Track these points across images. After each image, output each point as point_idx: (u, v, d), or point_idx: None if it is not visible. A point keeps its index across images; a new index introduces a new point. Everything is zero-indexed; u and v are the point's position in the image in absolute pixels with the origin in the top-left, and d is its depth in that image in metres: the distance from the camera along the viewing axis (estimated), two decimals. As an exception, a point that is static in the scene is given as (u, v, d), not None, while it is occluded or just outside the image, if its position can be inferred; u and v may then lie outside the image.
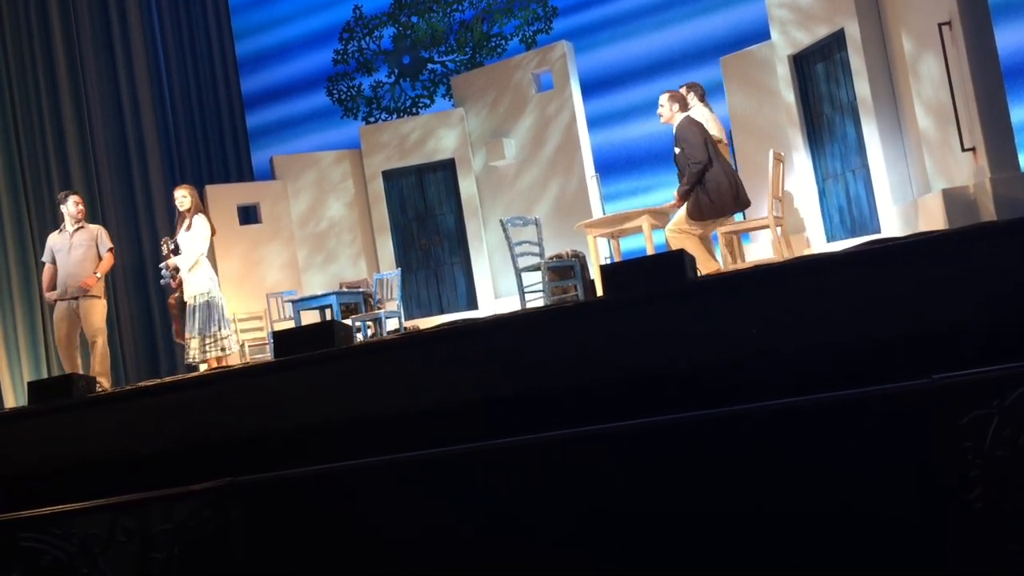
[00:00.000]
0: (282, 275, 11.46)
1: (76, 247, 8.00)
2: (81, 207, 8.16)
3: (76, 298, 7.94)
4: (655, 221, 7.57)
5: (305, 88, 14.21)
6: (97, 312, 8.03)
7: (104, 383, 7.87)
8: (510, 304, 10.55)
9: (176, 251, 8.00)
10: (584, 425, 2.55)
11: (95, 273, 8.01)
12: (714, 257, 6.97)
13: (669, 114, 7.06)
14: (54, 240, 8.14)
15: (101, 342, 8.00)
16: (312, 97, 14.18)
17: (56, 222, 8.62)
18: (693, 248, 6.70)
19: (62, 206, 8.17)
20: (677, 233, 6.83)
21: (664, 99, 7.12)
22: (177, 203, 8.03)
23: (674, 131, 7.00)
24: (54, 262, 8.07)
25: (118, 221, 11.70)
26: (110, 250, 8.19)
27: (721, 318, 2.78)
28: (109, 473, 3.26)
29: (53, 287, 8.04)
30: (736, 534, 2.31)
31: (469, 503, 2.62)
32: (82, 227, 8.13)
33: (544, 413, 2.80)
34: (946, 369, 2.14)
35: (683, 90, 8.48)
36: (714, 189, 6.76)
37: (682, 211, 6.94)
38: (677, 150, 6.97)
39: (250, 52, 14.29)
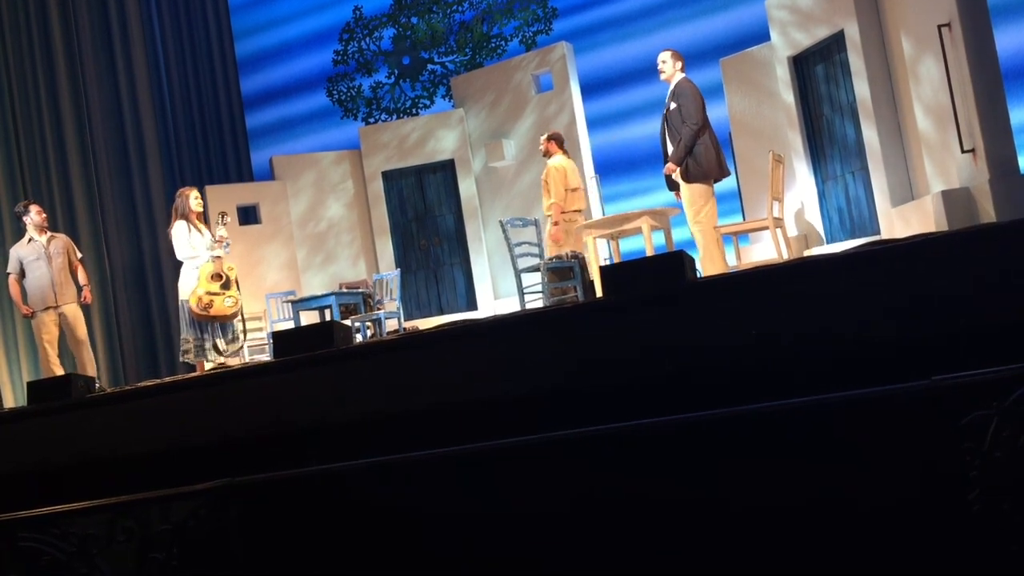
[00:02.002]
0: (281, 275, 11.46)
1: (56, 256, 8.01)
2: (44, 215, 8.18)
3: (60, 305, 7.97)
4: (655, 222, 7.57)
5: (305, 88, 14.21)
6: (82, 317, 8.16)
7: (102, 382, 7.92)
8: (510, 305, 10.55)
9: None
10: (583, 426, 2.55)
11: (84, 284, 8.14)
12: (725, 260, 6.97)
13: (671, 71, 7.05)
14: (24, 251, 8.03)
15: (88, 344, 8.13)
16: (312, 97, 14.18)
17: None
18: (712, 247, 6.71)
19: (25, 218, 8.09)
20: (706, 227, 6.80)
21: (667, 56, 7.11)
22: (196, 204, 7.68)
23: (672, 87, 7.00)
24: (22, 273, 7.99)
25: (117, 222, 11.70)
26: (81, 258, 8.31)
27: (721, 319, 2.77)
28: (108, 473, 3.26)
29: (24, 299, 8.00)
30: (734, 534, 2.31)
31: (468, 503, 2.62)
32: (54, 236, 8.19)
33: (543, 414, 2.80)
34: (946, 370, 2.14)
35: (543, 140, 8.53)
36: (701, 153, 6.79)
37: (688, 193, 6.87)
38: (672, 105, 6.93)
39: (250, 52, 14.28)
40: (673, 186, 7.17)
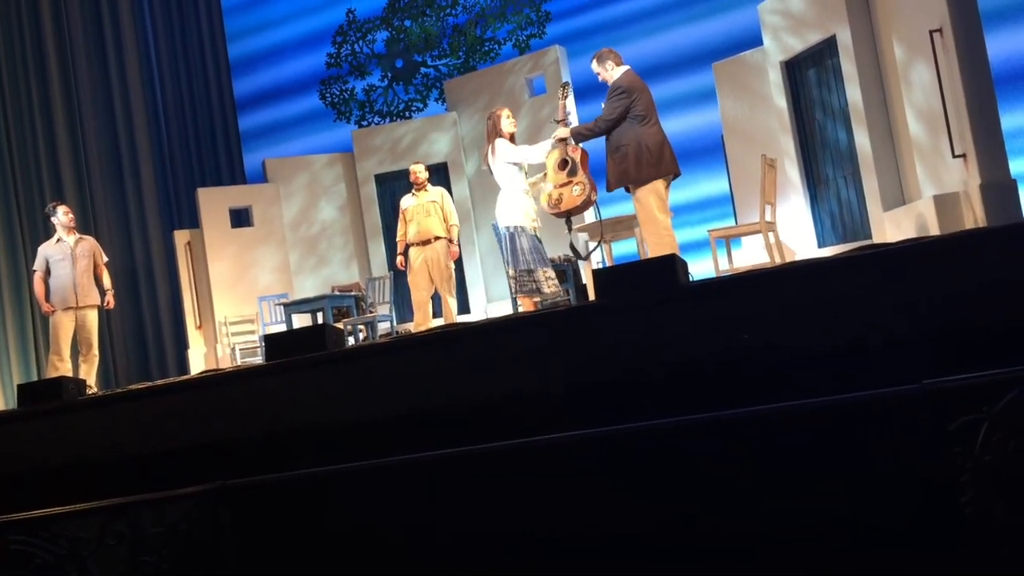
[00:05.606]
0: (274, 278, 11.45)
1: (81, 258, 8.09)
2: (71, 215, 8.22)
3: (80, 307, 8.02)
4: (647, 226, 7.55)
5: (298, 91, 14.20)
6: (97, 321, 8.20)
7: (95, 386, 7.92)
8: (502, 308, 10.55)
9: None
10: (575, 429, 2.55)
11: (108, 288, 8.20)
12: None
13: (607, 72, 6.48)
14: (51, 250, 8.12)
15: (96, 350, 8.16)
16: (305, 100, 14.16)
17: (46, 227, 8.62)
18: (674, 247, 6.36)
19: (52, 218, 8.20)
20: (662, 233, 6.31)
21: (595, 65, 6.56)
22: (509, 124, 6.92)
23: (616, 80, 6.43)
24: (47, 272, 8.07)
25: (110, 225, 11.68)
26: (106, 262, 8.36)
27: (712, 323, 2.78)
28: (99, 476, 3.25)
29: (46, 297, 8.07)
30: (726, 539, 2.31)
31: (460, 506, 2.62)
32: (82, 238, 8.26)
33: (536, 417, 2.80)
34: (937, 374, 2.14)
35: (424, 169, 8.34)
36: (656, 145, 6.21)
37: (644, 198, 6.25)
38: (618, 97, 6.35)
39: (243, 54, 14.27)
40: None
